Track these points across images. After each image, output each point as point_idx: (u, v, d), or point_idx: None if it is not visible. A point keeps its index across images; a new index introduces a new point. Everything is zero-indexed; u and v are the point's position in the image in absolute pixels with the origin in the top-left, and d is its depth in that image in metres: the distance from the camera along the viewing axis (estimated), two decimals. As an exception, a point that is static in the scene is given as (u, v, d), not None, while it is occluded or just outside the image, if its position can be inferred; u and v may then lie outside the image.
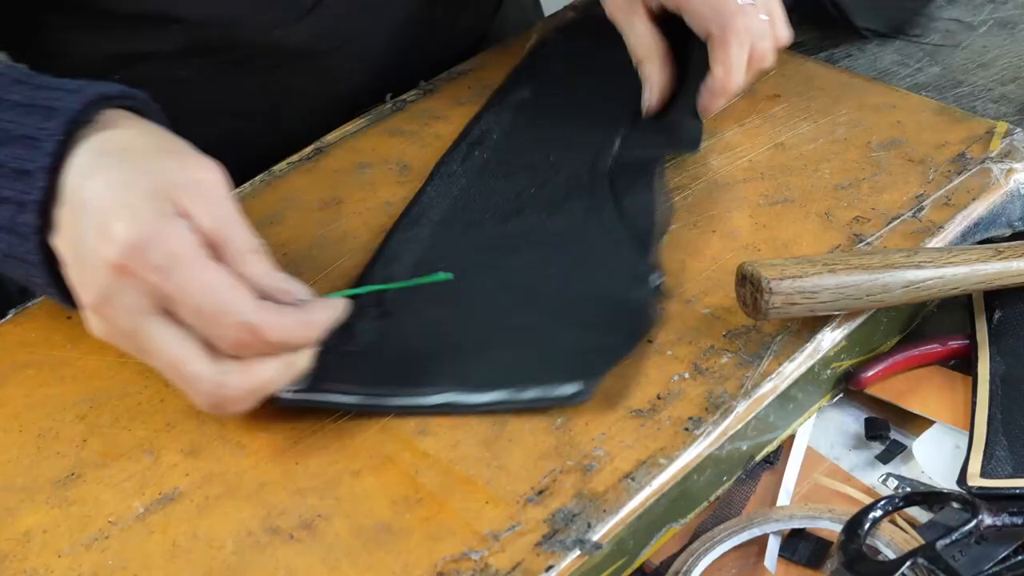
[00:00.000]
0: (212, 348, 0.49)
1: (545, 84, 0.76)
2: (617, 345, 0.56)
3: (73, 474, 0.54)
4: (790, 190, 0.65)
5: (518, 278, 0.61)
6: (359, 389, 0.55)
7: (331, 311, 0.52)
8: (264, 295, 0.50)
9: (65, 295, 0.53)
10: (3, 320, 0.63)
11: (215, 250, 0.50)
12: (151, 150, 0.52)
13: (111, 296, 0.49)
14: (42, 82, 0.53)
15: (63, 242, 0.51)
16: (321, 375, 0.54)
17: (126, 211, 0.49)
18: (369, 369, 0.56)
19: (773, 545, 0.53)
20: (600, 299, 0.59)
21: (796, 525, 0.53)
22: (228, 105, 0.79)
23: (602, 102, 0.73)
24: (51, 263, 0.52)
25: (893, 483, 0.55)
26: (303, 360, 0.51)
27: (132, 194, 0.49)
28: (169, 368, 0.50)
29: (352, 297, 0.54)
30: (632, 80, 0.69)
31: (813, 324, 0.57)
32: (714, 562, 0.52)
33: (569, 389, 0.54)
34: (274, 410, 0.55)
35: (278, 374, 0.51)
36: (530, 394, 0.54)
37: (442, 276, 0.56)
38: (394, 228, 0.65)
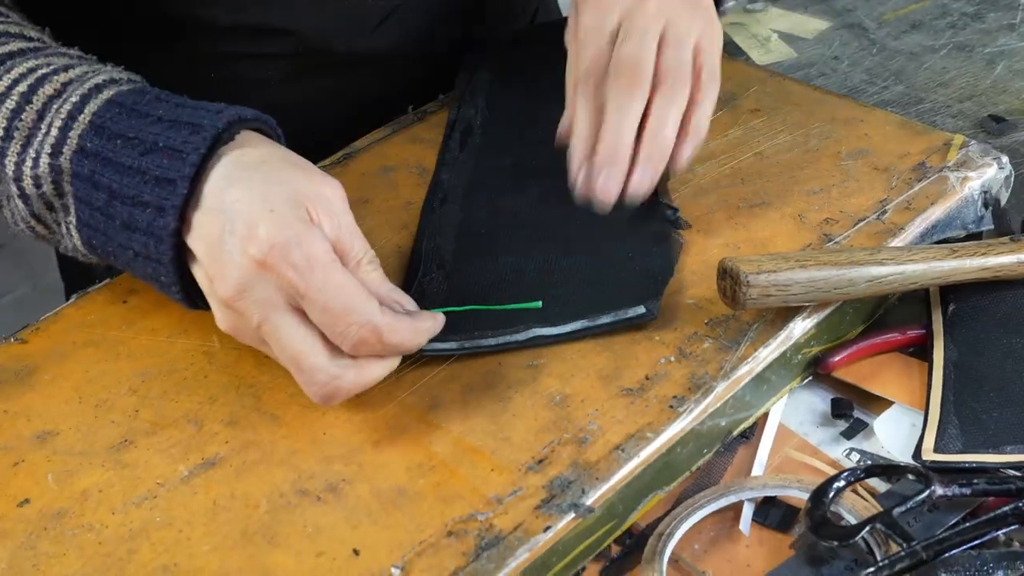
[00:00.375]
0: (331, 346, 0.50)
1: (507, 75, 0.76)
2: (662, 270, 0.58)
3: (126, 440, 0.54)
4: (767, 194, 0.64)
5: (551, 230, 0.62)
6: (454, 336, 0.55)
7: (434, 321, 0.52)
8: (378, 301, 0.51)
9: (186, 294, 0.53)
10: (67, 304, 0.62)
11: (339, 257, 0.50)
12: (286, 165, 0.52)
13: (249, 288, 0.49)
14: (180, 101, 0.54)
15: (201, 242, 0.51)
16: None
17: (270, 215, 0.49)
18: (456, 320, 0.56)
19: (747, 511, 0.52)
20: (631, 237, 0.60)
21: (768, 493, 0.53)
22: (294, 102, 0.78)
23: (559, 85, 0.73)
24: (180, 264, 0.52)
25: (856, 457, 0.55)
26: (396, 362, 0.52)
27: (274, 201, 0.50)
28: (291, 358, 0.50)
29: (446, 313, 0.54)
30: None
31: (786, 314, 0.56)
32: (694, 525, 0.52)
33: (638, 310, 0.55)
34: (304, 386, 0.55)
35: (383, 373, 0.51)
36: (605, 319, 0.55)
37: (533, 304, 0.56)
38: (427, 211, 0.65)
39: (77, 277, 0.73)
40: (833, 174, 0.65)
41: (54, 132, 0.54)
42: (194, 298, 0.54)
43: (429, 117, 0.75)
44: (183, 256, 0.52)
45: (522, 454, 0.51)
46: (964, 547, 0.47)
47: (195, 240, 0.51)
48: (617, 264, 0.59)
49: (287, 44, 0.74)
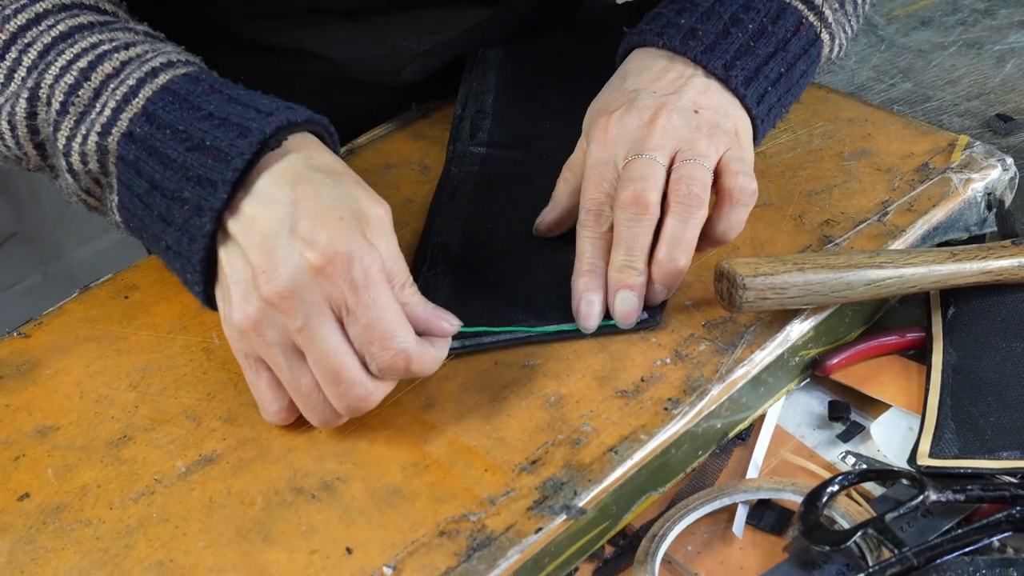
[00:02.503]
0: (362, 361, 0.50)
1: (519, 53, 0.76)
2: None
3: (125, 436, 0.54)
4: (768, 194, 0.64)
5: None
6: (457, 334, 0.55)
7: (447, 346, 0.53)
8: (416, 324, 0.51)
9: (208, 296, 0.53)
10: (69, 299, 0.63)
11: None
12: (350, 179, 0.52)
13: (300, 291, 0.49)
14: (234, 94, 0.53)
15: (252, 232, 0.50)
16: None
17: (339, 222, 0.49)
18: (464, 315, 0.56)
19: (741, 513, 0.53)
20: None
21: (762, 496, 0.53)
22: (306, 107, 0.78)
23: (569, 69, 0.73)
24: (208, 265, 0.52)
25: (851, 460, 0.55)
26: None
27: (342, 210, 0.50)
28: (331, 367, 0.50)
29: (490, 333, 0.56)
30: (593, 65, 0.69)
31: (783, 316, 0.56)
32: (688, 527, 0.52)
33: (640, 317, 0.56)
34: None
35: (389, 390, 0.52)
36: (611, 322, 0.56)
37: (569, 327, 0.57)
38: (436, 206, 0.66)
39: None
40: (835, 174, 0.65)
41: (107, 112, 0.54)
42: (215, 299, 0.54)
43: (433, 113, 0.75)
44: (213, 257, 0.52)
45: (516, 454, 0.51)
46: (956, 553, 0.47)
47: (243, 230, 0.50)
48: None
49: (321, 67, 0.74)
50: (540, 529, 0.48)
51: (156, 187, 0.52)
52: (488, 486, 0.50)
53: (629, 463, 0.50)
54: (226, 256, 0.51)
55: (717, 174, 0.58)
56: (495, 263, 0.61)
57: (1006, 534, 0.48)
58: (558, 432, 0.52)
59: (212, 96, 0.53)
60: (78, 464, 0.53)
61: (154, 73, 0.54)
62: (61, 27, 0.56)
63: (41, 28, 0.56)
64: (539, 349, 0.56)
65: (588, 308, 0.56)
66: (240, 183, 0.51)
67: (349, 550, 0.48)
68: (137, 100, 0.53)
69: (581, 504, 0.49)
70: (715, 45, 0.60)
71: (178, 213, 0.52)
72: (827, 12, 0.63)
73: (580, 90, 0.68)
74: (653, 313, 0.56)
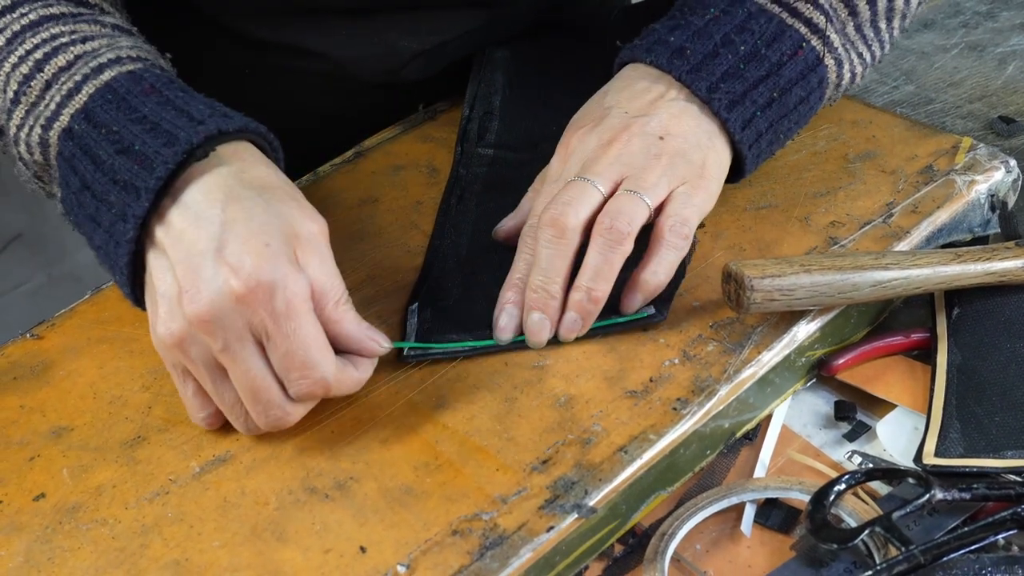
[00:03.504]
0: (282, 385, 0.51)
1: (519, 68, 0.76)
2: (674, 273, 0.58)
3: (139, 437, 0.55)
4: (774, 196, 0.65)
5: None
6: (466, 336, 0.57)
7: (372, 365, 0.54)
8: (348, 342, 0.52)
9: (137, 298, 0.54)
10: (81, 300, 0.64)
11: (316, 298, 0.50)
12: (284, 195, 0.52)
13: (222, 316, 0.49)
14: (173, 96, 0.53)
15: (180, 247, 0.50)
16: (431, 329, 0.57)
17: (265, 249, 0.49)
18: (473, 317, 0.58)
19: (749, 512, 0.53)
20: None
21: (770, 495, 0.53)
22: (316, 108, 0.79)
23: (576, 70, 0.73)
24: (135, 270, 0.53)
25: (858, 459, 0.55)
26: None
27: (271, 235, 0.50)
28: (249, 388, 0.51)
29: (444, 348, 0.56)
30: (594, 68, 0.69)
31: (790, 317, 0.57)
32: (697, 526, 0.53)
33: (647, 312, 0.56)
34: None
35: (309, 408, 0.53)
36: (618, 320, 0.57)
37: (645, 314, 0.57)
38: (445, 208, 0.66)
39: None
40: (840, 176, 0.66)
41: (52, 106, 0.54)
42: (143, 301, 0.54)
43: (440, 116, 0.76)
44: (140, 261, 0.52)
45: (527, 454, 0.52)
46: (963, 551, 0.48)
47: (172, 243, 0.50)
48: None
49: (319, 65, 0.75)
50: (552, 528, 0.48)
51: (87, 187, 0.52)
52: (500, 485, 0.50)
53: (639, 462, 0.51)
54: (155, 265, 0.51)
55: (659, 210, 0.56)
56: (503, 264, 0.61)
57: (1011, 532, 0.49)
58: (568, 432, 0.52)
59: (150, 97, 0.52)
60: (93, 464, 0.54)
61: (100, 69, 0.54)
62: (32, 16, 0.56)
63: (15, 15, 0.56)
64: (548, 350, 0.57)
65: (507, 321, 0.56)
66: (166, 191, 0.51)
67: (363, 549, 0.48)
68: (80, 96, 0.53)
69: (592, 503, 0.49)
70: (701, 65, 0.59)
71: (105, 216, 0.52)
72: (834, 37, 0.61)
73: (587, 92, 0.68)
74: (660, 308, 0.57)
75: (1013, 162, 0.65)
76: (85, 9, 0.58)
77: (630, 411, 0.53)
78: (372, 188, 0.69)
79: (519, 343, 0.57)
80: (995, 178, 0.64)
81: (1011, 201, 0.66)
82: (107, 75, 0.54)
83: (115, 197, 0.51)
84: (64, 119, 0.53)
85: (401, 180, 0.70)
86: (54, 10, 0.57)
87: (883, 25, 0.63)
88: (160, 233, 0.51)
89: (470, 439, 0.53)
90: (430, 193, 0.69)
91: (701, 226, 0.63)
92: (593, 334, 0.57)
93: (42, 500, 0.52)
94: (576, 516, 0.49)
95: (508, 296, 0.57)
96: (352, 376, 0.52)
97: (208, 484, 0.52)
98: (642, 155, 0.57)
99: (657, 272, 0.56)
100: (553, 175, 0.60)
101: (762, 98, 0.59)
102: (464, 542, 0.48)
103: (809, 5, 0.60)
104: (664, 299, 0.57)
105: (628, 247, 0.55)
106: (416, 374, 0.56)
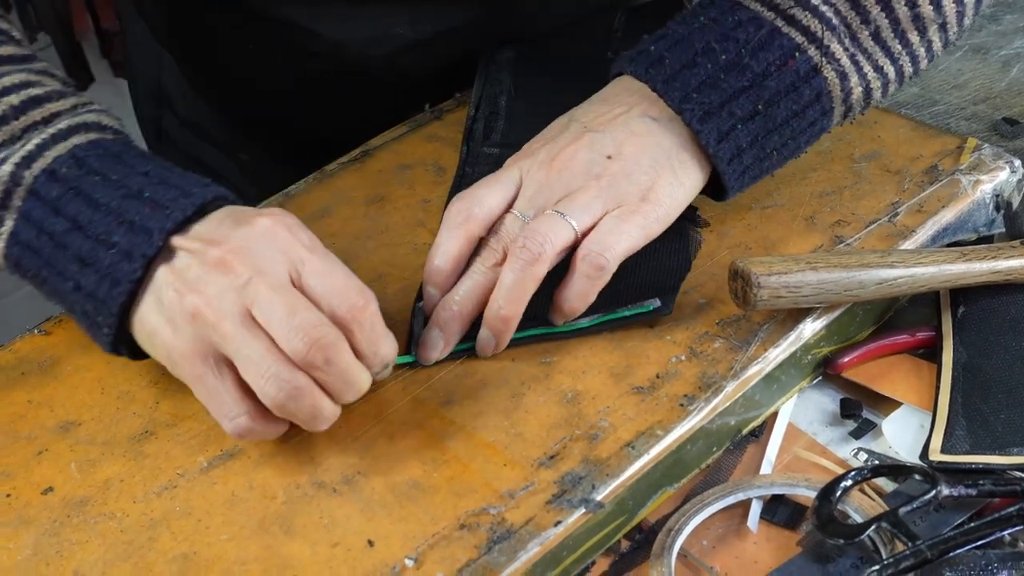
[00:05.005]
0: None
1: (525, 68, 0.76)
2: (679, 266, 0.58)
3: (147, 431, 0.55)
4: (780, 195, 0.65)
5: None
6: (472, 331, 0.56)
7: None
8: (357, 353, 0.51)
9: (114, 337, 0.53)
10: (89, 296, 0.64)
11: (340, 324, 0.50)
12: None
13: (252, 247, 0.51)
14: (167, 166, 0.54)
15: (199, 297, 0.50)
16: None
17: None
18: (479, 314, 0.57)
19: (756, 508, 0.53)
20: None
21: (776, 491, 0.54)
22: (325, 103, 0.79)
23: (582, 71, 0.73)
24: (125, 311, 0.52)
25: (863, 456, 0.55)
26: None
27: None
28: (282, 306, 0.49)
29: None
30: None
31: (796, 315, 0.57)
32: (703, 522, 0.53)
33: (654, 303, 0.56)
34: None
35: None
36: (623, 312, 0.57)
37: (650, 307, 0.57)
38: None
39: None
40: (845, 176, 0.66)
41: (30, 147, 0.54)
42: (117, 344, 0.54)
43: (446, 115, 0.76)
44: (132, 303, 0.52)
45: (534, 450, 0.52)
46: (969, 547, 0.48)
47: (195, 292, 0.50)
48: (634, 259, 0.60)
49: (320, 46, 0.75)
50: (559, 522, 0.49)
51: (79, 227, 0.52)
52: (507, 480, 0.50)
53: (645, 458, 0.51)
54: (153, 294, 0.51)
55: (584, 235, 0.55)
56: None
57: (1017, 528, 0.49)
58: (575, 428, 0.53)
59: (146, 161, 0.54)
60: (101, 459, 0.54)
61: (87, 127, 0.55)
62: None
63: None
64: (555, 347, 0.57)
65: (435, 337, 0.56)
66: (173, 233, 0.51)
67: (371, 542, 0.49)
68: (65, 144, 0.54)
69: (599, 498, 0.50)
70: (677, 75, 0.57)
71: (104, 256, 0.51)
72: (835, 47, 0.57)
73: (592, 92, 0.69)
74: (665, 301, 0.57)
75: (1018, 162, 0.66)
76: (28, 51, 0.58)
77: (637, 407, 0.53)
78: (379, 187, 0.70)
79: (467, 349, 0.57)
80: (1000, 178, 0.65)
81: (1016, 201, 0.66)
82: (93, 135, 0.55)
83: (121, 238, 0.51)
84: (47, 160, 0.53)
85: (408, 179, 0.70)
86: (7, 50, 0.57)
87: (914, 37, 0.59)
88: (166, 269, 0.51)
89: (477, 434, 0.53)
90: (437, 192, 0.69)
91: (706, 224, 0.63)
92: (599, 328, 0.57)
93: (50, 494, 0.52)
94: (583, 511, 0.49)
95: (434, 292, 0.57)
96: (332, 409, 0.51)
97: (216, 478, 0.52)
98: (582, 175, 0.56)
99: (568, 299, 0.55)
100: (504, 173, 0.59)
101: (742, 110, 0.56)
102: (472, 536, 0.48)
103: (807, 12, 0.57)
104: (669, 291, 0.57)
105: (541, 268, 0.54)
106: (423, 370, 0.56)
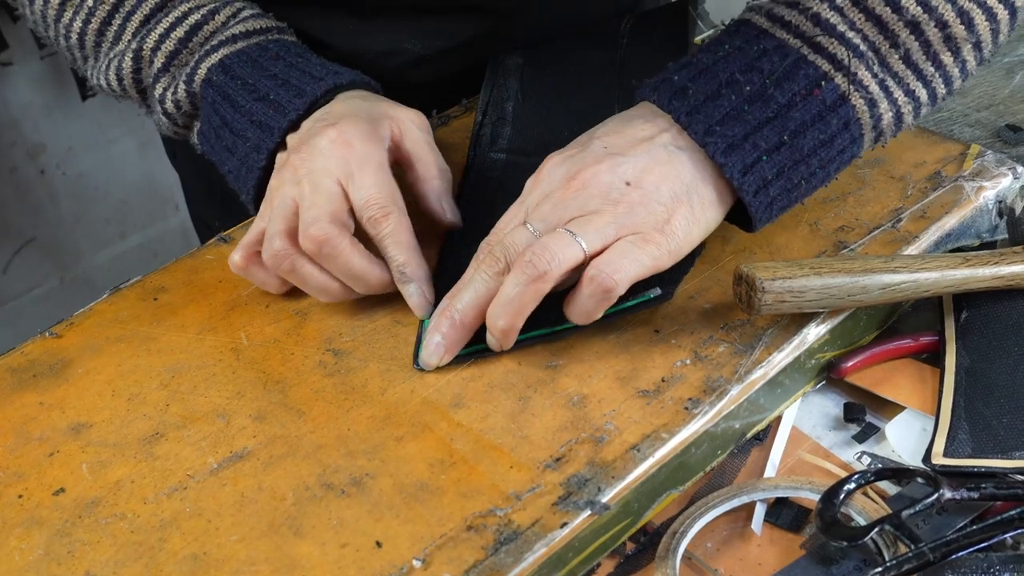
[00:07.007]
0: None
1: (532, 74, 0.77)
2: (682, 261, 0.58)
3: (157, 433, 0.56)
4: (784, 201, 0.66)
5: None
6: (480, 332, 0.57)
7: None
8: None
9: (255, 205, 0.65)
10: (99, 300, 0.65)
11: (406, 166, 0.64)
12: (382, 100, 0.65)
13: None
14: (295, 61, 0.66)
15: (275, 180, 0.62)
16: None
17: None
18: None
19: (760, 511, 0.54)
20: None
21: (780, 494, 0.54)
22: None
23: (588, 77, 0.74)
24: (260, 188, 0.64)
25: (867, 460, 0.56)
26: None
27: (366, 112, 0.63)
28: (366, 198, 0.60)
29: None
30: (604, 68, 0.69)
31: (800, 319, 0.58)
32: (708, 524, 0.53)
33: (653, 292, 0.57)
34: (331, 383, 0.57)
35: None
36: (626, 304, 0.57)
37: (651, 295, 0.57)
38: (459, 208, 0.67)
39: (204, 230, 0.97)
40: (849, 182, 0.66)
41: (191, 64, 0.67)
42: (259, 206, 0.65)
43: (453, 122, 0.77)
44: (264, 182, 0.64)
45: (540, 452, 0.52)
46: (971, 549, 0.48)
47: (295, 159, 0.62)
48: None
49: (329, 56, 0.76)
50: (565, 524, 0.49)
51: (226, 124, 0.65)
52: (513, 482, 0.51)
53: (651, 460, 0.52)
54: (276, 183, 0.62)
55: (592, 258, 0.54)
56: None
57: (1019, 531, 0.49)
58: (581, 430, 0.53)
59: (278, 61, 0.66)
60: (112, 460, 0.54)
61: (234, 39, 0.67)
62: None
63: None
64: (562, 351, 0.57)
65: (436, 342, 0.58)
66: (290, 129, 0.63)
67: (379, 543, 0.49)
68: (216, 55, 0.67)
69: (605, 500, 0.50)
70: (701, 107, 0.56)
71: (241, 148, 0.64)
72: (863, 74, 0.56)
73: (599, 98, 0.69)
74: (666, 289, 0.57)
75: (1020, 168, 0.66)
76: None
77: (642, 410, 0.54)
78: (386, 191, 0.70)
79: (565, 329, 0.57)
80: (1003, 184, 0.65)
81: (1018, 207, 0.66)
82: (241, 44, 0.67)
83: (251, 133, 0.64)
84: (203, 71, 0.67)
85: (415, 184, 0.71)
86: None
87: (947, 58, 0.58)
88: (283, 157, 0.63)
89: (484, 437, 0.53)
90: (444, 196, 0.69)
91: None
92: (605, 320, 0.56)
93: (62, 495, 0.53)
94: (589, 513, 0.50)
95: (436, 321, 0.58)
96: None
97: (226, 480, 0.53)
98: (599, 197, 0.55)
99: (571, 316, 0.55)
100: (522, 197, 0.59)
101: (766, 142, 0.55)
102: (479, 537, 0.49)
103: (834, 40, 0.56)
104: (670, 280, 0.58)
105: (545, 286, 0.54)
106: (431, 373, 0.57)
